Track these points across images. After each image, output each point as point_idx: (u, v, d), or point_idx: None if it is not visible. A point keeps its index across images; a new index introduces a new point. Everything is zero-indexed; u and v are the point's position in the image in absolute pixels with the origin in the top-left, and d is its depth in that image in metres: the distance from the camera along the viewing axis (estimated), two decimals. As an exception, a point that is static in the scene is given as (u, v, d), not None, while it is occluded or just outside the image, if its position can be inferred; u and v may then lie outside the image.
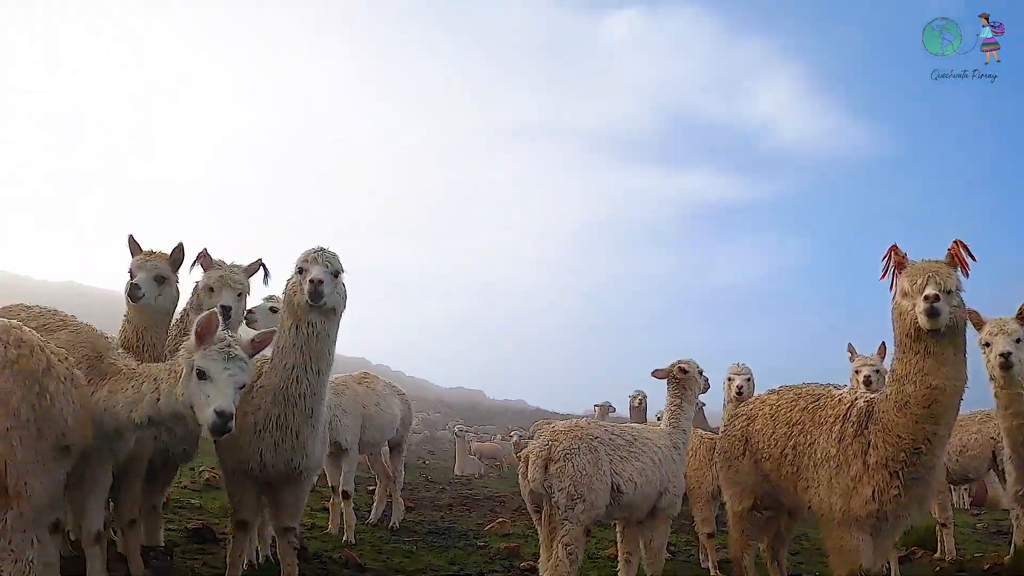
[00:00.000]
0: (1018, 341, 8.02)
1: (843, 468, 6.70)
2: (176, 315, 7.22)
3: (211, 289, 7.05)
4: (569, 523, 6.88)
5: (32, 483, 4.87)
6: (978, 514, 17.22)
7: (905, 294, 6.26)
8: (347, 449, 10.41)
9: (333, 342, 6.82)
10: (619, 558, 8.15)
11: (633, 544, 8.00)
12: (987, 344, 8.16)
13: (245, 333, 8.09)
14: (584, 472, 6.94)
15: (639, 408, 16.17)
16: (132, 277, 6.70)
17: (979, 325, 8.15)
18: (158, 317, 6.80)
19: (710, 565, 9.97)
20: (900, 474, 6.44)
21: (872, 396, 6.96)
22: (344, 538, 10.58)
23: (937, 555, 10.84)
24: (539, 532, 7.42)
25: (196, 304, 7.20)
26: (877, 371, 9.21)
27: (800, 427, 7.28)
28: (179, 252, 6.88)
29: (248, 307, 8.31)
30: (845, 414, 6.90)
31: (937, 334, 6.08)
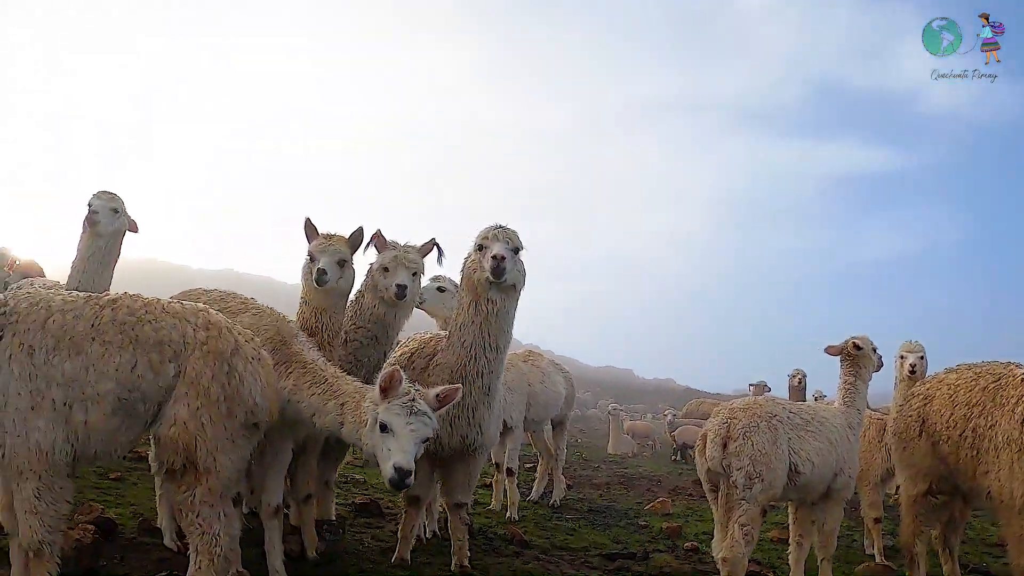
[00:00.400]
0: None
1: None
2: (351, 295, 7.33)
3: (386, 269, 7.14)
4: (746, 503, 6.72)
5: (221, 459, 5.00)
6: None
7: None
8: (513, 427, 10.46)
9: (512, 320, 6.85)
10: (791, 541, 7.94)
11: (805, 527, 7.79)
12: None
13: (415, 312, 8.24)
14: (763, 451, 6.78)
15: (798, 387, 15.88)
16: (313, 261, 6.78)
17: None
18: (337, 299, 6.90)
19: (876, 552, 9.68)
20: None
21: None
22: (508, 515, 10.66)
23: None
24: (713, 512, 7.30)
25: (371, 284, 7.30)
26: None
27: (980, 408, 7.02)
28: (359, 235, 6.96)
29: None
30: None
31: None
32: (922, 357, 9.46)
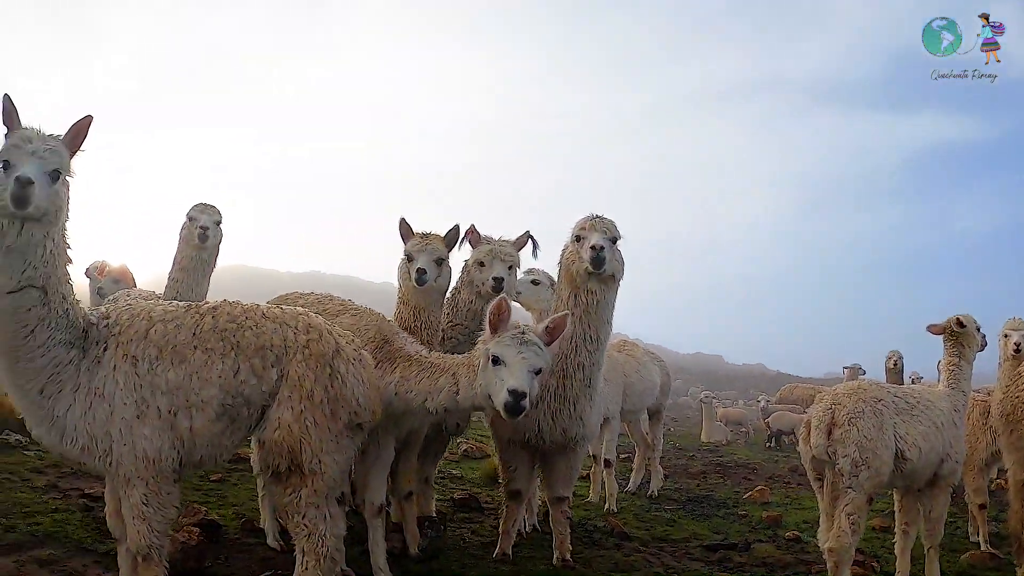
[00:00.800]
0: None
1: None
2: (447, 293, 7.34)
3: (481, 264, 7.13)
4: (853, 491, 6.56)
5: (326, 461, 5.02)
6: None
7: None
8: (610, 418, 10.38)
9: (612, 310, 6.82)
10: (896, 529, 7.74)
11: (911, 515, 7.60)
12: None
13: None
14: (869, 437, 6.60)
15: (895, 370, 15.54)
16: (411, 261, 6.80)
17: None
18: (436, 297, 6.91)
19: (980, 539, 9.41)
20: None
21: None
22: (606, 506, 10.62)
23: None
24: (818, 501, 7.15)
25: (467, 280, 7.30)
26: None
27: None
28: (454, 233, 6.96)
29: None
30: None
31: None
32: (1029, 334, 9.13)
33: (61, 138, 4.69)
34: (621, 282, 6.84)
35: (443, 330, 7.20)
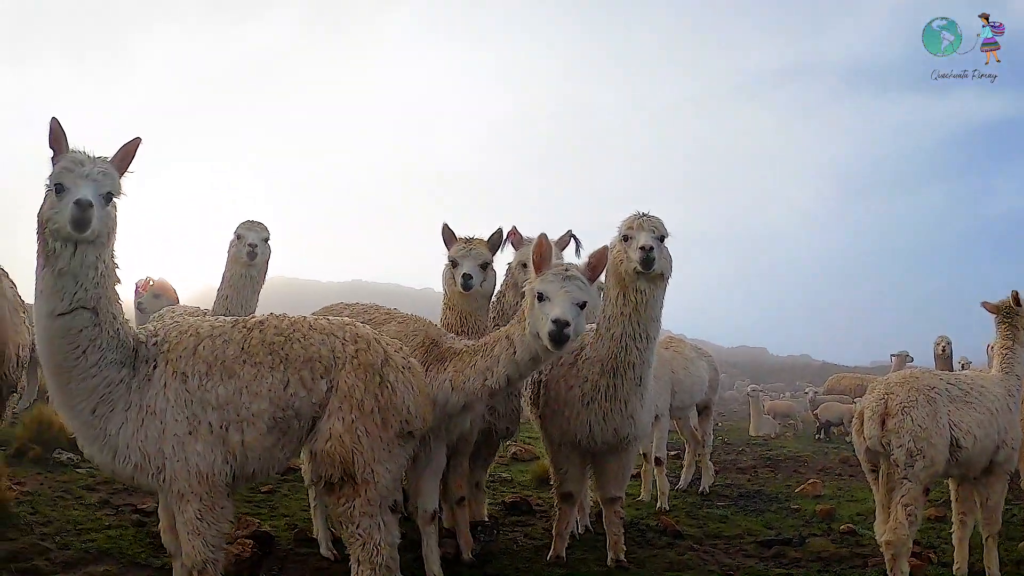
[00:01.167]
0: None
1: None
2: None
3: (524, 265, 7.12)
4: (908, 482, 6.49)
5: (378, 470, 5.03)
6: None
7: None
8: (659, 416, 10.32)
9: (661, 308, 6.79)
10: (953, 519, 7.63)
11: (968, 504, 7.50)
12: None
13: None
14: (923, 426, 6.53)
15: (944, 355, 15.35)
16: (456, 266, 6.80)
17: None
18: (481, 302, 6.93)
19: None
20: None
21: None
22: (658, 505, 10.55)
23: None
24: (873, 492, 7.07)
25: (512, 282, 7.30)
26: None
27: None
28: (498, 236, 6.98)
29: None
30: None
31: None
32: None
33: (111, 160, 4.73)
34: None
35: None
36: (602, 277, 6.97)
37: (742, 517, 10.44)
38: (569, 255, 7.46)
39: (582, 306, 5.51)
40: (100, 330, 4.71)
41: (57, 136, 4.69)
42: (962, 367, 15.76)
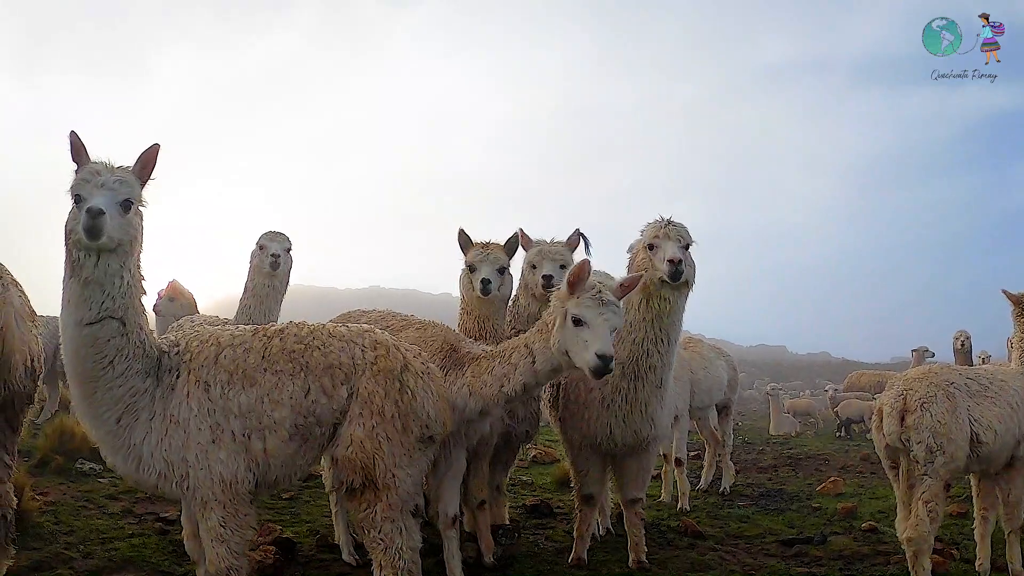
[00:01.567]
0: None
1: None
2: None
3: (533, 266, 7.13)
4: (929, 478, 6.47)
5: (399, 475, 5.05)
6: None
7: None
8: (678, 416, 10.31)
9: (683, 313, 6.80)
10: (975, 515, 7.57)
11: (989, 499, 7.44)
12: None
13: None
14: (943, 422, 6.50)
15: (963, 350, 15.27)
16: (474, 271, 6.82)
17: None
18: (499, 306, 6.93)
19: None
20: None
21: None
22: (679, 506, 10.55)
23: None
24: (894, 489, 7.04)
25: (523, 284, 7.32)
26: None
27: None
28: (515, 240, 6.99)
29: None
30: None
31: None
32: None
33: (130, 169, 4.76)
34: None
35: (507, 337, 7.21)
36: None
37: (763, 516, 10.42)
38: (581, 255, 7.47)
39: (615, 329, 5.62)
40: (127, 340, 4.74)
41: (78, 149, 4.73)
42: (982, 361, 15.69)
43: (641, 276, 6.20)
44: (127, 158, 4.80)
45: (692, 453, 13.92)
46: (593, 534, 8.07)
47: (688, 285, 6.65)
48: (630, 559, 7.47)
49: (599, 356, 5.38)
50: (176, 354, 5.02)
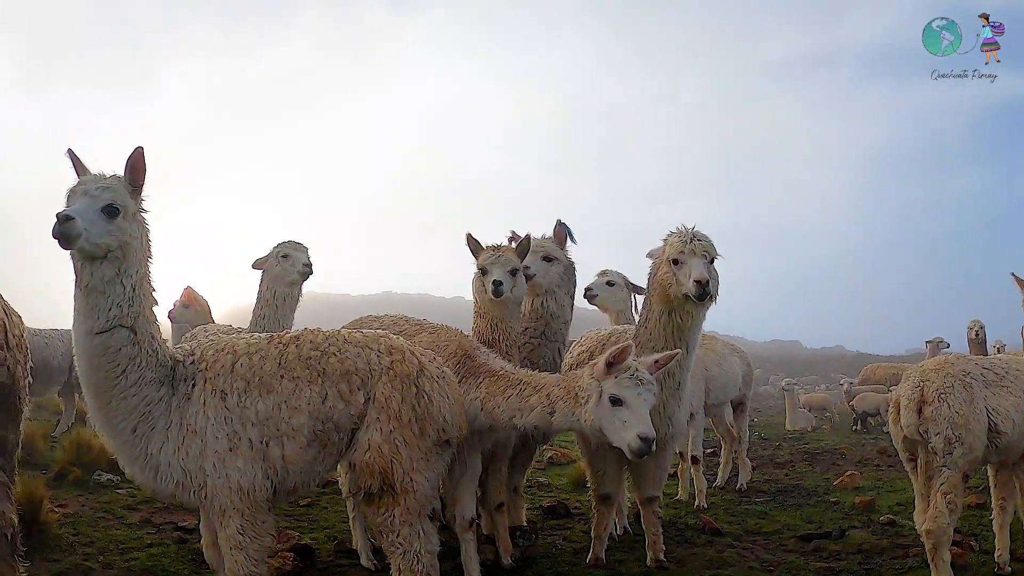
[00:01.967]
0: None
1: None
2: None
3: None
4: (947, 470, 6.42)
5: (417, 479, 5.07)
6: None
7: None
8: (694, 414, 10.29)
9: (703, 322, 6.84)
10: (993, 506, 7.54)
11: (1007, 489, 7.42)
12: None
13: (580, 305, 8.22)
14: (961, 413, 6.45)
15: (977, 340, 15.21)
16: (486, 274, 6.77)
17: None
18: (512, 308, 6.87)
19: None
20: None
21: None
22: (696, 503, 10.53)
23: None
24: (912, 482, 7.01)
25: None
26: None
27: None
28: (526, 243, 6.98)
29: (588, 284, 8.72)
30: None
31: None
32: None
33: (118, 176, 4.81)
34: None
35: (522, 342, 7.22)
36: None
37: (781, 512, 10.40)
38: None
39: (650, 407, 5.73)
40: (139, 349, 4.78)
41: (76, 165, 4.82)
42: (997, 351, 15.61)
43: (677, 354, 6.23)
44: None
45: (708, 450, 13.92)
46: (611, 534, 8.06)
47: (712, 299, 6.60)
48: (648, 558, 7.46)
49: (642, 439, 5.48)
50: (191, 363, 5.04)
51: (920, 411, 6.57)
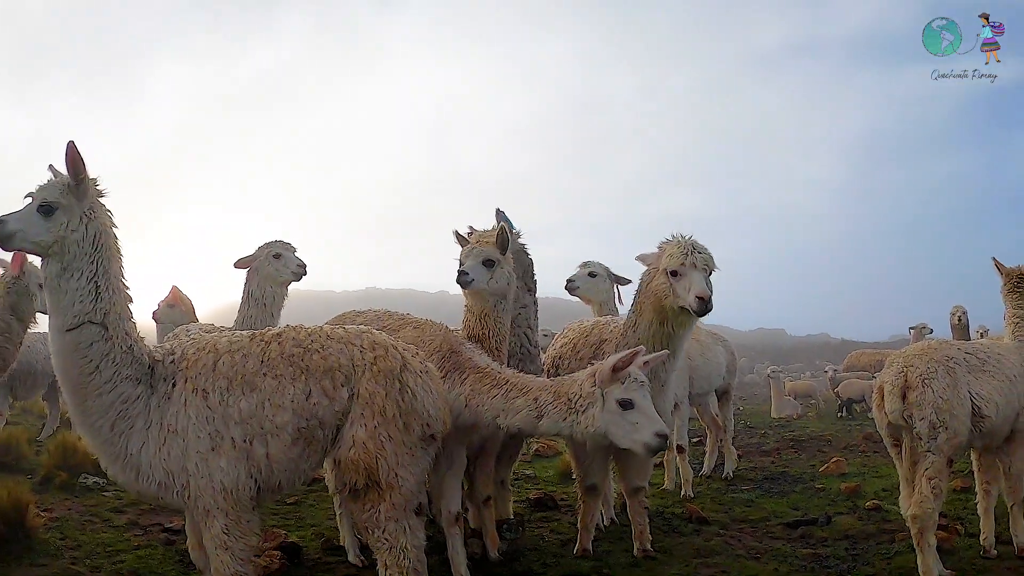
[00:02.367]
0: None
1: None
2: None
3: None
4: (932, 455, 6.44)
5: (402, 474, 5.06)
6: None
7: None
8: (678, 403, 10.29)
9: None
10: (977, 489, 7.57)
11: (991, 473, 7.45)
12: None
13: (564, 297, 8.23)
14: (944, 398, 6.48)
15: (960, 325, 15.28)
16: (461, 266, 6.80)
17: None
18: (496, 301, 6.74)
19: None
20: None
21: None
22: (683, 492, 10.57)
23: None
24: (897, 467, 7.04)
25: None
26: None
27: None
28: (504, 235, 6.92)
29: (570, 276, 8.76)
30: None
31: None
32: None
33: (58, 176, 4.89)
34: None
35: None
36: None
37: (767, 500, 10.43)
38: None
39: None
40: (111, 345, 4.81)
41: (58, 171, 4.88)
42: (980, 336, 15.67)
43: (664, 355, 6.38)
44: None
45: (694, 439, 13.96)
46: (598, 525, 8.10)
47: (708, 312, 6.64)
48: (635, 548, 7.49)
49: (659, 435, 5.62)
50: (172, 362, 5.04)
51: (904, 397, 6.58)
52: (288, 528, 8.05)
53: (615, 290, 9.96)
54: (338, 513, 7.37)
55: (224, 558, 4.95)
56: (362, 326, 5.59)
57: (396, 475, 5.03)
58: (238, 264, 8.67)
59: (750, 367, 50.22)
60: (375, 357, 5.14)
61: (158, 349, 5.18)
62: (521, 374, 6.25)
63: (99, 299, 4.77)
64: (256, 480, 4.97)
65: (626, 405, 5.65)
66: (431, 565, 5.78)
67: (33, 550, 6.96)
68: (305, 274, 8.34)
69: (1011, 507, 7.30)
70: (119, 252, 4.99)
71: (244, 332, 5.48)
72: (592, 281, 9.39)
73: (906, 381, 6.61)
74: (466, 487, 7.07)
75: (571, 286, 9.42)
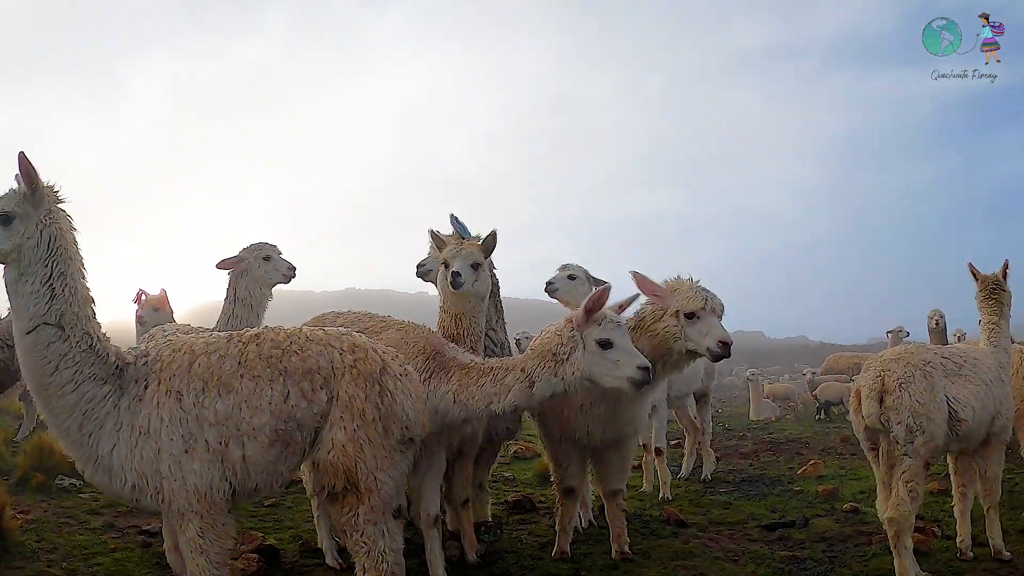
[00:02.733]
0: None
1: None
2: None
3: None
4: (909, 458, 6.48)
5: (381, 478, 5.03)
6: None
7: None
8: (656, 406, 10.31)
9: None
10: (954, 492, 7.63)
11: (967, 476, 7.52)
12: None
13: (542, 299, 8.23)
14: (921, 402, 6.51)
15: (937, 329, 15.39)
16: (447, 267, 6.75)
17: None
18: (475, 303, 6.84)
19: None
20: None
21: None
22: (661, 495, 10.58)
23: None
24: (874, 471, 7.07)
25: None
26: None
27: None
28: (492, 239, 6.95)
29: (549, 278, 9.12)
30: None
31: None
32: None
33: (14, 186, 4.91)
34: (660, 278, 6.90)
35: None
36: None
37: (745, 502, 10.48)
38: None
39: None
40: (69, 345, 4.81)
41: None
42: (958, 339, 15.79)
43: (637, 296, 6.64)
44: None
45: (673, 442, 14.00)
46: (576, 527, 8.10)
47: None
48: (613, 550, 7.50)
49: (642, 368, 5.75)
50: (144, 364, 5.01)
51: (881, 400, 6.61)
52: (265, 530, 8.01)
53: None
54: (316, 515, 7.34)
55: (199, 561, 4.93)
56: (342, 328, 5.59)
57: (375, 478, 5.01)
58: (221, 265, 8.65)
59: (729, 369, 50.35)
60: (355, 360, 5.12)
61: (131, 350, 5.16)
62: (502, 358, 6.38)
63: (54, 301, 4.78)
64: (231, 483, 4.94)
65: (605, 345, 5.76)
66: (410, 568, 5.76)
67: (9, 552, 6.90)
68: (295, 276, 8.34)
69: (987, 510, 7.37)
70: (78, 254, 4.99)
71: (222, 333, 5.45)
72: (571, 284, 9.41)
73: (883, 385, 6.64)
74: (444, 489, 7.06)
75: (550, 288, 9.44)
